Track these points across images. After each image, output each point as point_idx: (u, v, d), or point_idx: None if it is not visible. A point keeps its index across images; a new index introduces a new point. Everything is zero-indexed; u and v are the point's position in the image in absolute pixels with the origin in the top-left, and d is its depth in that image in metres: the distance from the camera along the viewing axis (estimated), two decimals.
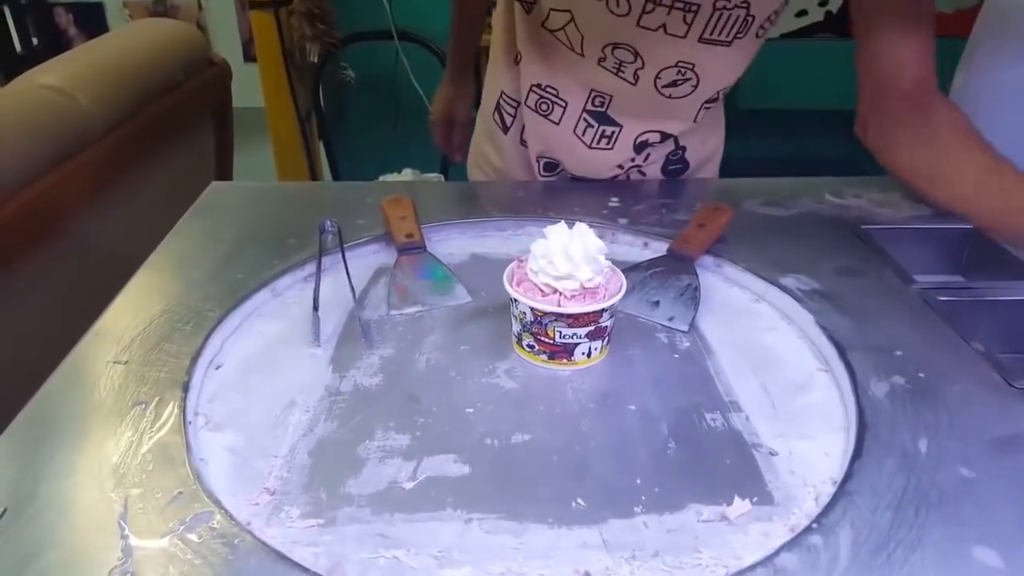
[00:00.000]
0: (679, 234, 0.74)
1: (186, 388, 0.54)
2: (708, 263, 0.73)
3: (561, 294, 0.57)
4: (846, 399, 0.54)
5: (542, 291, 0.57)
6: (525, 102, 0.87)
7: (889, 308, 0.65)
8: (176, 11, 2.51)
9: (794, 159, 2.45)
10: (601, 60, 0.79)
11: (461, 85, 1.08)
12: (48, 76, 1.04)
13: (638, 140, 0.85)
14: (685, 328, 0.64)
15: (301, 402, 0.55)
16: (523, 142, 0.91)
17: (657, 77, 0.78)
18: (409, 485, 0.48)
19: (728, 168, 0.98)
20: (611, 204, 0.84)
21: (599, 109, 0.83)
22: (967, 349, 0.59)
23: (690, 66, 0.77)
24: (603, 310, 0.57)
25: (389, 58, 2.21)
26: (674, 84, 0.79)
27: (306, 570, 0.41)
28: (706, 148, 0.93)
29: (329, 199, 0.92)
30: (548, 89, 0.84)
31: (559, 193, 0.89)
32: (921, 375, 0.56)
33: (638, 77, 0.79)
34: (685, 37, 0.74)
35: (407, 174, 2.34)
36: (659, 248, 0.75)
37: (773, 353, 0.61)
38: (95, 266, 0.89)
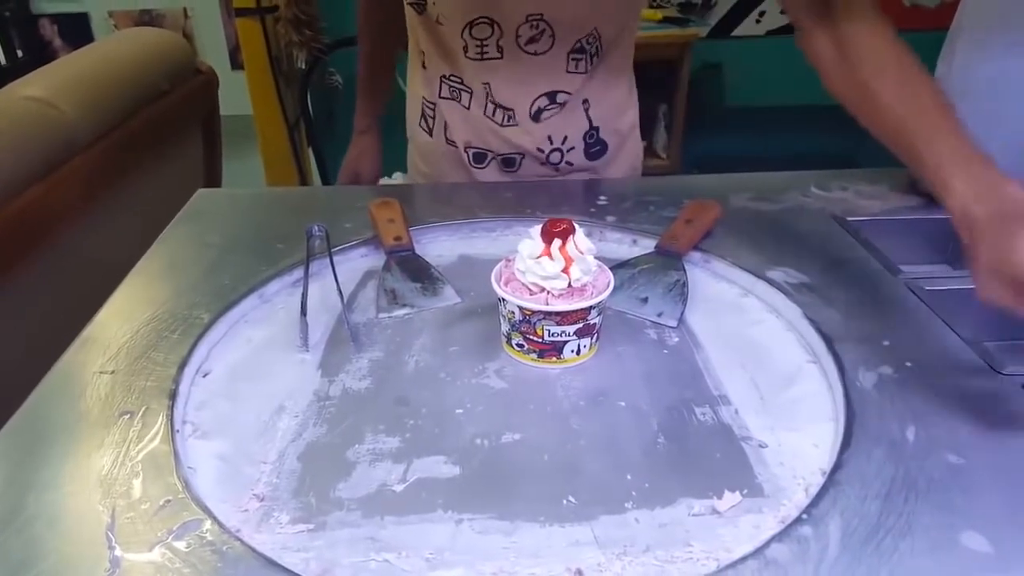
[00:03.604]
0: (666, 230, 0.74)
1: (173, 396, 0.54)
2: (696, 259, 0.73)
3: (549, 292, 0.57)
4: (834, 390, 0.55)
5: (530, 290, 0.57)
6: (440, 95, 0.90)
7: (876, 299, 0.65)
8: (162, 20, 2.50)
9: (781, 155, 2.47)
10: (466, 50, 0.84)
11: (368, 145, 1.09)
12: (32, 87, 1.04)
13: (532, 110, 0.87)
14: (674, 324, 0.64)
15: (290, 407, 0.55)
16: (448, 141, 0.93)
17: (517, 37, 0.82)
18: (399, 487, 0.47)
19: (715, 163, 0.98)
20: (599, 202, 0.84)
21: (490, 97, 0.87)
22: (954, 337, 0.59)
23: (539, 16, 0.81)
24: (591, 307, 0.57)
25: None
26: (533, 40, 0.83)
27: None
28: (620, 126, 0.94)
29: (317, 203, 0.92)
30: (453, 78, 0.88)
31: (547, 193, 0.89)
32: (908, 364, 0.56)
33: (502, 48, 0.83)
34: None
35: (397, 178, 2.33)
36: (647, 245, 0.75)
37: (762, 346, 0.61)
38: (84, 276, 0.89)
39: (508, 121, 0.88)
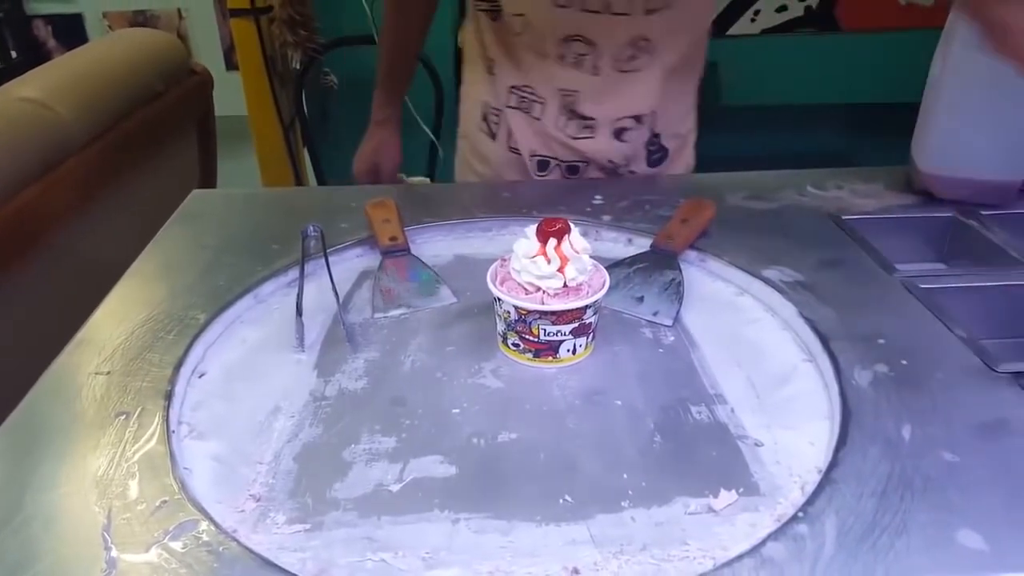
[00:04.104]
0: (662, 230, 0.74)
1: (169, 397, 0.54)
2: (692, 257, 0.73)
3: (544, 292, 0.57)
4: (830, 388, 0.55)
5: (526, 290, 0.57)
6: (507, 104, 0.89)
7: (872, 297, 0.65)
8: (156, 21, 2.49)
9: (776, 154, 2.47)
10: (561, 57, 0.83)
11: (388, 135, 1.03)
12: (26, 88, 1.03)
13: (615, 127, 0.87)
14: (669, 323, 0.64)
15: (286, 408, 0.55)
16: (511, 148, 0.92)
17: (616, 60, 0.82)
18: (396, 487, 0.47)
19: (711, 164, 0.98)
20: (595, 202, 0.84)
21: (570, 106, 0.86)
22: (949, 335, 0.59)
23: (644, 39, 0.81)
24: (586, 307, 0.57)
25: (371, 63, 2.19)
26: (632, 59, 0.83)
27: None
28: (680, 130, 0.94)
29: (312, 204, 0.92)
30: (525, 88, 0.88)
31: (543, 192, 0.89)
32: (904, 362, 0.56)
33: (598, 68, 0.83)
34: (631, 14, 0.79)
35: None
36: (643, 244, 0.75)
37: (757, 345, 0.61)
38: (79, 277, 0.88)
39: (584, 133, 0.87)
